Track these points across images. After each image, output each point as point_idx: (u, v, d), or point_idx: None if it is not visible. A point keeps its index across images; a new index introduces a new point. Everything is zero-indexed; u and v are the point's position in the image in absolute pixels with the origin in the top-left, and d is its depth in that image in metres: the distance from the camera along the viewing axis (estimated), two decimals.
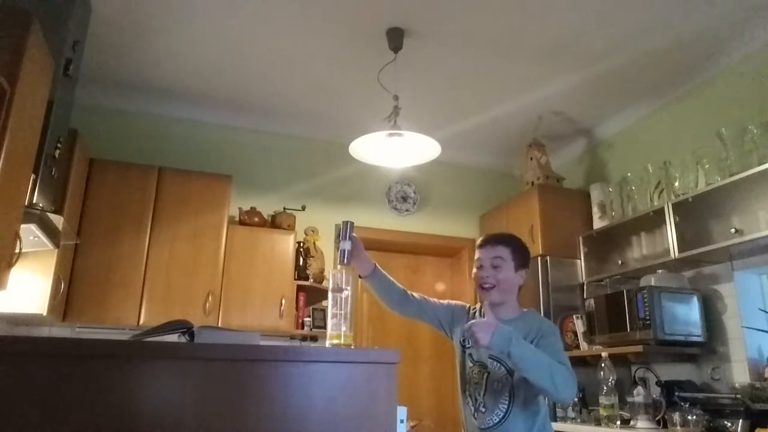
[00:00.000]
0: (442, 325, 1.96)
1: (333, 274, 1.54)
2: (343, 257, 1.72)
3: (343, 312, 1.47)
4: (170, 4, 2.82)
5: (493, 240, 1.86)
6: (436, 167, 4.06)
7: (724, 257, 2.88)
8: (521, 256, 1.85)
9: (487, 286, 1.80)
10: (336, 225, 1.81)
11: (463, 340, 1.87)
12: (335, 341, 1.44)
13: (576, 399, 3.23)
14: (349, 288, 1.51)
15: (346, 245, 1.73)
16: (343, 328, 1.45)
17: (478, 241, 1.91)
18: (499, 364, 1.75)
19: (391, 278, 1.96)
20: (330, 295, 1.50)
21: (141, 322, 3.18)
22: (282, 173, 4.09)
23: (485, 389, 1.76)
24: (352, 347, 1.47)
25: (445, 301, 2.01)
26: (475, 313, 1.92)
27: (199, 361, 1.05)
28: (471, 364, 1.83)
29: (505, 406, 1.72)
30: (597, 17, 2.84)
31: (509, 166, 4.62)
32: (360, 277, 1.90)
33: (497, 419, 1.72)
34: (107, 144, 3.61)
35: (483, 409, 1.76)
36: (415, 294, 1.97)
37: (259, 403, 1.05)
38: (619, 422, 2.89)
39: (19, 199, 2.03)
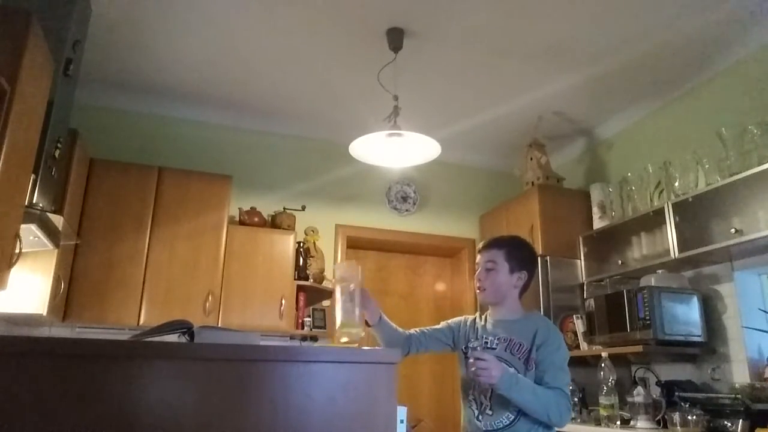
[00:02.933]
0: (447, 345, 2.01)
1: (337, 266, 1.56)
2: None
3: (353, 302, 1.49)
4: (170, 4, 2.82)
5: (488, 244, 1.94)
6: (436, 167, 4.06)
7: (724, 257, 2.88)
8: (517, 258, 1.89)
9: (479, 288, 1.91)
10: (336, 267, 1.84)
11: (465, 348, 1.90)
12: (351, 330, 1.45)
13: (576, 399, 3.24)
14: (354, 281, 1.52)
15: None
16: (357, 313, 1.46)
17: (480, 244, 2.00)
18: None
19: (394, 325, 2.00)
20: (338, 287, 1.51)
21: (141, 322, 3.18)
22: (282, 173, 4.09)
23: (492, 392, 1.77)
24: (357, 346, 1.48)
25: (443, 323, 2.05)
26: (475, 321, 1.97)
27: (199, 361, 1.05)
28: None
29: (516, 410, 1.72)
30: (597, 17, 2.84)
31: (509, 166, 4.62)
32: (367, 325, 1.92)
33: (507, 422, 1.73)
34: (107, 144, 3.61)
35: (490, 412, 1.77)
36: (414, 330, 2.02)
37: (259, 403, 1.05)
38: (619, 422, 2.89)
39: (19, 199, 2.03)
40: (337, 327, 1.55)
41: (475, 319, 1.98)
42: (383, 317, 1.95)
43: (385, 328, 1.96)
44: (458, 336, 1.98)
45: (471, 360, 1.70)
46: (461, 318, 2.04)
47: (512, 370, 1.71)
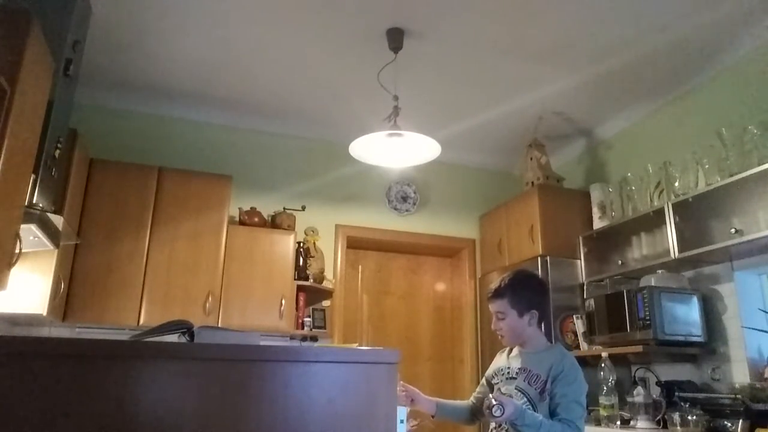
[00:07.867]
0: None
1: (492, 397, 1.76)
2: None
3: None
4: (170, 4, 2.82)
5: (492, 295, 2.00)
6: (436, 167, 4.06)
7: (724, 257, 2.88)
8: (520, 301, 1.94)
9: (499, 335, 2.00)
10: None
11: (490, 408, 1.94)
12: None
13: None
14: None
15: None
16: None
17: (487, 293, 2.07)
18: (522, 395, 1.84)
19: (455, 402, 2.16)
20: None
21: (141, 322, 3.18)
22: (282, 173, 4.09)
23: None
24: (356, 346, 1.49)
25: (483, 380, 2.15)
26: (505, 352, 2.08)
27: (199, 361, 1.05)
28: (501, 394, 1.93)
29: None
30: (597, 17, 2.84)
31: (509, 166, 4.62)
32: (432, 417, 2.07)
33: None
34: (107, 144, 3.61)
35: None
36: (471, 400, 2.14)
37: (259, 403, 1.05)
38: (619, 422, 2.89)
39: (19, 199, 2.03)
40: None
41: (506, 349, 2.09)
42: (440, 403, 2.09)
43: (447, 411, 2.10)
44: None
45: (491, 401, 1.77)
46: (496, 358, 2.12)
47: (521, 402, 1.80)
